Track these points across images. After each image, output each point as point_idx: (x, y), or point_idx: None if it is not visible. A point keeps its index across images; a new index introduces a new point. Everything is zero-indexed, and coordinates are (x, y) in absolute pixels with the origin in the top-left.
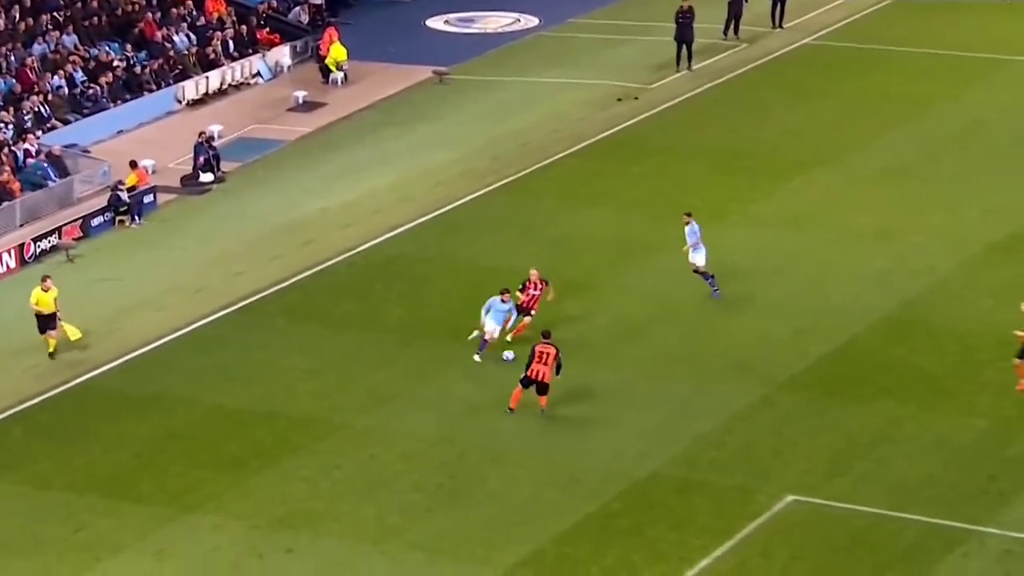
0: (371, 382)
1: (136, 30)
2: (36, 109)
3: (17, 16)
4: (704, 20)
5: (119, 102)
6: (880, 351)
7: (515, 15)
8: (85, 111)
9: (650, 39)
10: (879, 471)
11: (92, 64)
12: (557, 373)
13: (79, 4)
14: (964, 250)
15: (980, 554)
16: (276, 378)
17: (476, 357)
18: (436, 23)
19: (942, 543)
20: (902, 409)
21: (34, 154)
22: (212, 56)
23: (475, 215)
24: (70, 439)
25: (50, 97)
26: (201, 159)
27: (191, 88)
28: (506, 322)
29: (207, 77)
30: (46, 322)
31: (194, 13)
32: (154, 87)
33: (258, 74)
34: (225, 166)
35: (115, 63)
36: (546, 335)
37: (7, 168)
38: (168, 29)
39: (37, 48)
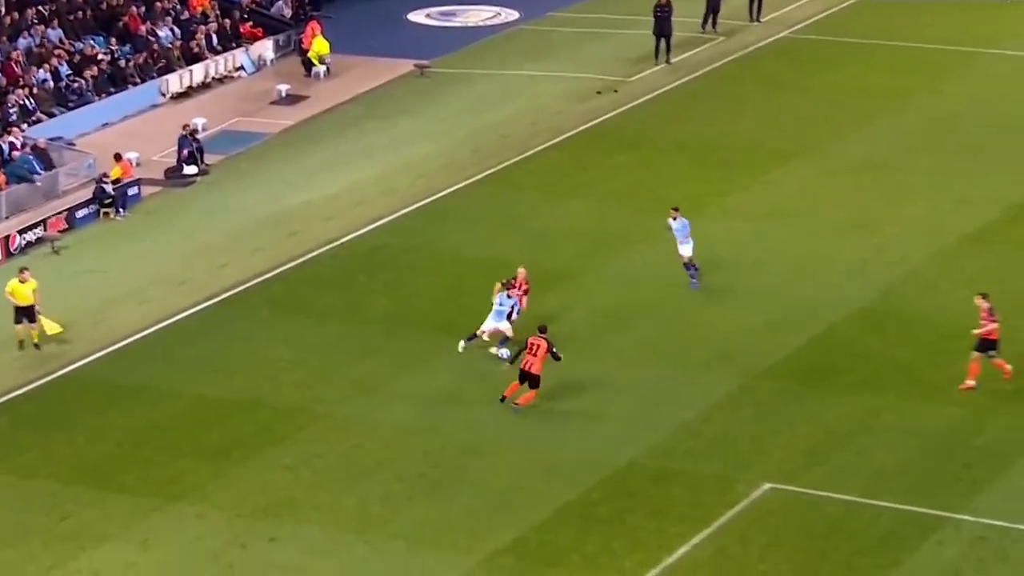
0: (354, 373)
1: (120, 24)
2: (21, 102)
3: (2, 10)
4: (682, 14)
5: (104, 95)
6: (857, 341)
7: (496, 9)
8: (70, 104)
9: (629, 33)
10: (855, 459)
11: (77, 58)
12: (557, 359)
13: None
14: (939, 241)
15: (955, 540)
16: (259, 369)
17: (497, 351)
18: (417, 17)
19: (917, 530)
20: (878, 398)
21: (19, 147)
22: (196, 50)
23: (457, 207)
24: (55, 429)
25: (35, 90)
26: (185, 152)
27: (175, 81)
28: (508, 316)
29: (191, 71)
30: (22, 313)
31: (178, 7)
32: (138, 80)
33: (241, 68)
34: (209, 159)
35: (100, 57)
36: (542, 329)
37: None
38: (152, 23)
39: (22, 42)
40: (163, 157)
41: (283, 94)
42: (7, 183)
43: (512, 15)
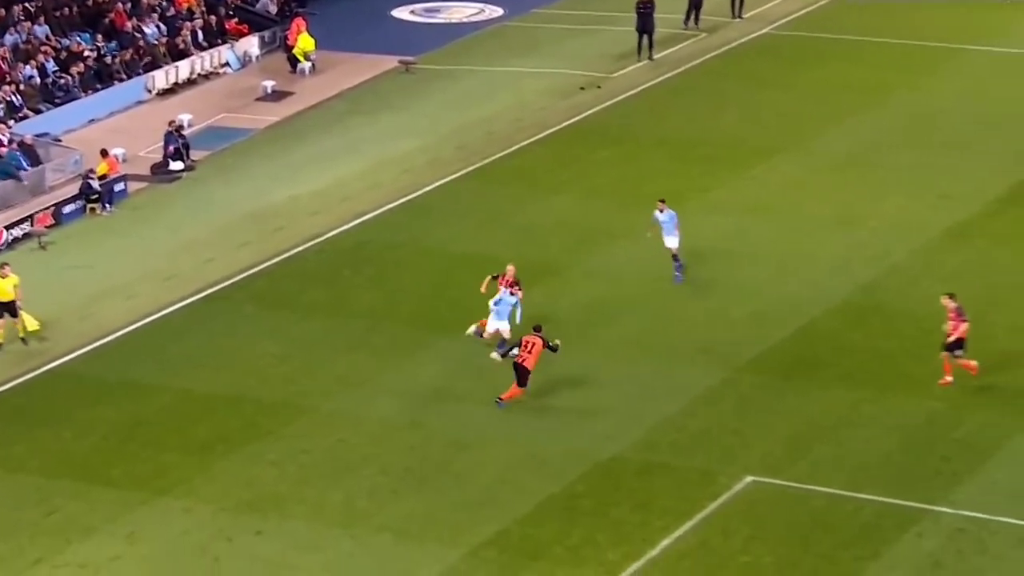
0: (339, 368)
1: (107, 20)
2: (8, 99)
3: None
4: (664, 10)
5: (90, 92)
6: (839, 335)
7: (480, 5)
8: (57, 101)
9: (612, 29)
10: (837, 452)
11: (63, 54)
12: (554, 351)
13: None
14: (920, 236)
15: (934, 532)
16: (245, 364)
17: (494, 355)
18: (402, 13)
19: (897, 522)
20: (860, 392)
21: (6, 143)
22: (182, 46)
23: (442, 202)
24: (42, 424)
25: (22, 87)
26: (171, 148)
27: (161, 78)
28: (510, 317)
29: (177, 67)
30: (3, 309)
31: (164, 4)
32: (124, 77)
33: (227, 64)
34: (195, 155)
35: (86, 53)
36: (537, 328)
37: None
38: (138, 20)
39: (9, 38)
40: (149, 153)
41: (269, 90)
42: None
43: (496, 11)
